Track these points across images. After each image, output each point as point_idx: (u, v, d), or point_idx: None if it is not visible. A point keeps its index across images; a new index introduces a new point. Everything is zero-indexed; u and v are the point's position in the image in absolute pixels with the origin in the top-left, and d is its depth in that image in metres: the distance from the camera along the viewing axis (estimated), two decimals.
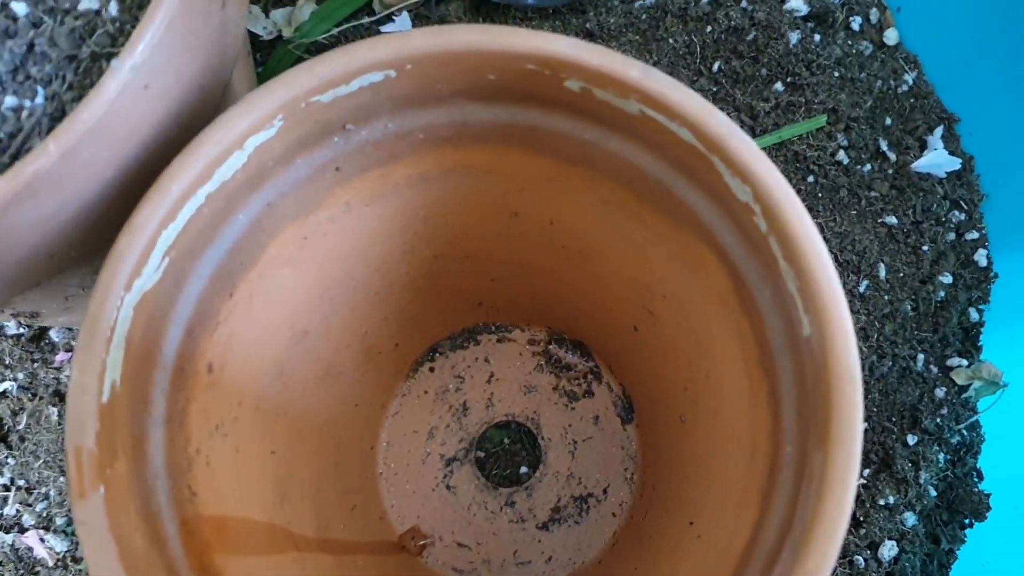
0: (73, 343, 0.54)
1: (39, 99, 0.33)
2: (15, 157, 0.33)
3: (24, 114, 0.33)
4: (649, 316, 0.43)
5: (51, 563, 0.51)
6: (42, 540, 0.51)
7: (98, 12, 0.34)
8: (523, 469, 0.49)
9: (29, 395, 0.53)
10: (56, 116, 0.33)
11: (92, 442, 0.30)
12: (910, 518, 0.47)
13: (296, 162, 0.35)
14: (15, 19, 0.34)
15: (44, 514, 0.51)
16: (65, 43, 0.34)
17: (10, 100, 0.33)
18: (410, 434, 0.49)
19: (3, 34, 0.34)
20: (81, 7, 0.34)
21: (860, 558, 0.46)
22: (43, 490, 0.51)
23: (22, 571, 0.50)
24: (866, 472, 0.48)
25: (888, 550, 0.46)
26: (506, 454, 0.50)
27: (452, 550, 0.47)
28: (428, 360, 0.50)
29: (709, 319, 0.38)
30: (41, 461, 0.52)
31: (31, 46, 0.34)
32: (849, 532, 0.46)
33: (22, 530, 0.51)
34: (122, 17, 0.34)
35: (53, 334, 0.54)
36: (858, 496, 0.47)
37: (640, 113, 0.33)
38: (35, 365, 0.54)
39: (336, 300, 0.42)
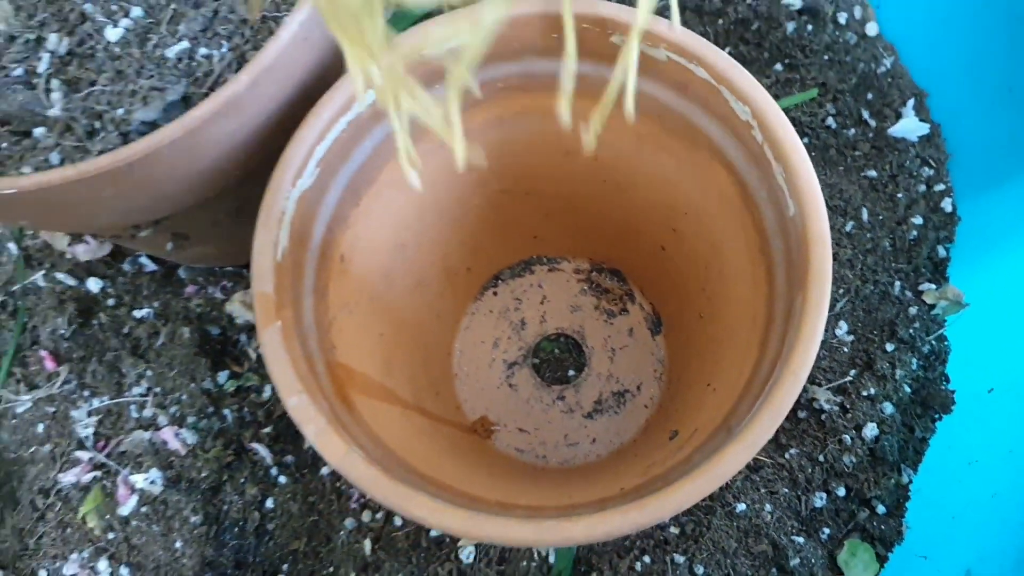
0: (199, 279, 0.66)
1: (224, 49, 0.45)
2: (211, 89, 0.45)
3: (215, 60, 0.45)
4: (673, 234, 0.54)
5: (183, 452, 0.62)
6: (176, 435, 0.62)
7: None
8: (571, 372, 0.60)
9: (162, 321, 0.65)
10: (237, 62, 0.45)
11: (271, 288, 0.41)
12: (888, 407, 0.57)
13: None
14: None
15: (177, 414, 0.62)
16: (241, 9, 0.46)
17: (203, 50, 0.45)
18: (479, 344, 0.61)
19: (194, 3, 0.46)
20: None
21: (847, 437, 0.56)
22: (176, 395, 0.63)
23: (159, 460, 0.62)
24: (852, 372, 0.58)
25: (870, 431, 0.56)
26: (557, 360, 0.61)
27: (514, 434, 0.58)
28: (492, 286, 0.62)
29: (720, 223, 0.49)
30: (175, 371, 0.63)
31: (215, 12, 0.46)
32: (838, 416, 0.57)
33: (157, 428, 0.62)
34: None
35: (181, 272, 0.66)
36: (845, 389, 0.58)
37: (667, 59, 0.44)
38: (167, 296, 0.65)
39: (426, 222, 0.54)
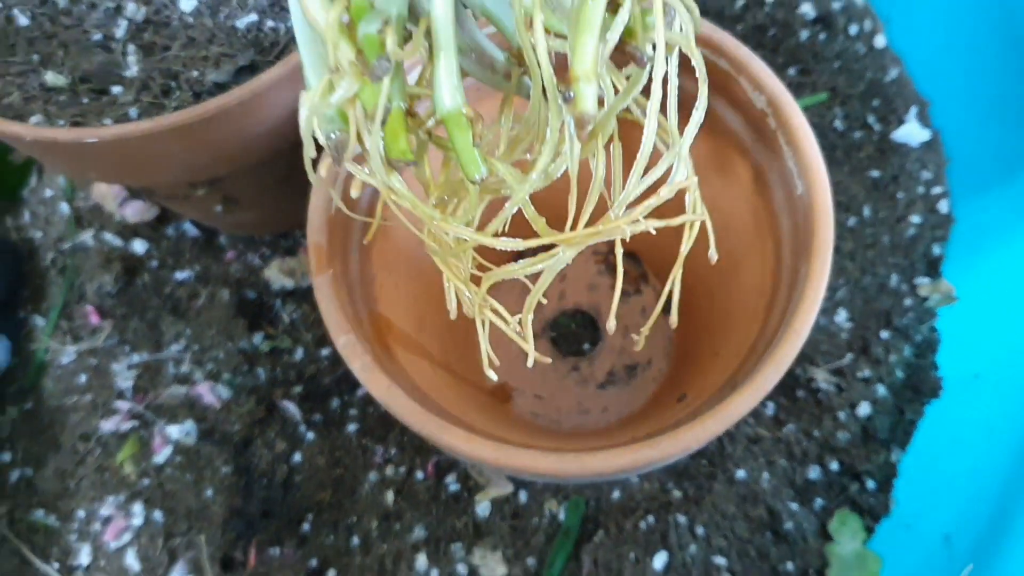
0: (239, 246, 0.70)
1: (289, 23, 0.49)
2: (276, 58, 0.49)
3: (281, 32, 0.49)
4: None
5: (217, 407, 0.66)
6: (211, 390, 0.66)
7: None
8: (585, 345, 0.64)
9: (202, 283, 0.69)
10: None
11: (324, 240, 0.45)
12: (881, 389, 0.61)
13: None
14: None
15: (213, 371, 0.66)
16: None
17: (270, 23, 0.49)
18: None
19: None
20: None
21: (842, 413, 0.60)
22: (213, 353, 0.67)
23: (194, 413, 0.66)
24: (849, 356, 0.62)
25: (863, 409, 0.60)
26: (573, 334, 0.65)
27: (532, 400, 0.62)
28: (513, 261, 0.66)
29: (733, 205, 0.53)
30: (214, 330, 0.67)
31: None
32: (835, 395, 0.61)
33: (193, 383, 0.66)
34: None
35: (221, 239, 0.70)
36: (841, 371, 0.62)
37: None
38: (208, 261, 0.70)
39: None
